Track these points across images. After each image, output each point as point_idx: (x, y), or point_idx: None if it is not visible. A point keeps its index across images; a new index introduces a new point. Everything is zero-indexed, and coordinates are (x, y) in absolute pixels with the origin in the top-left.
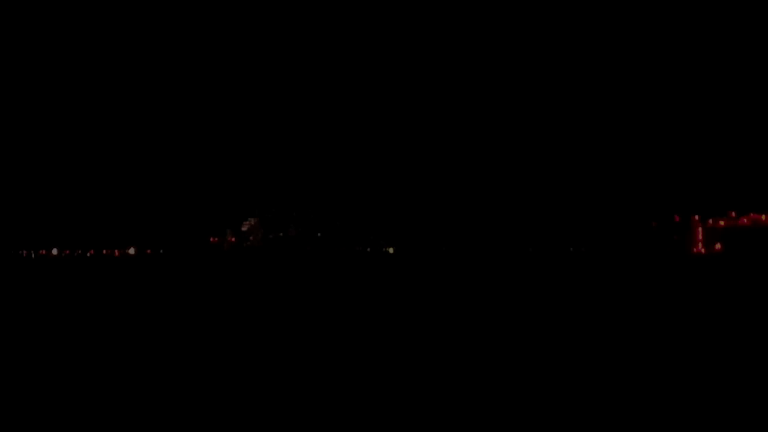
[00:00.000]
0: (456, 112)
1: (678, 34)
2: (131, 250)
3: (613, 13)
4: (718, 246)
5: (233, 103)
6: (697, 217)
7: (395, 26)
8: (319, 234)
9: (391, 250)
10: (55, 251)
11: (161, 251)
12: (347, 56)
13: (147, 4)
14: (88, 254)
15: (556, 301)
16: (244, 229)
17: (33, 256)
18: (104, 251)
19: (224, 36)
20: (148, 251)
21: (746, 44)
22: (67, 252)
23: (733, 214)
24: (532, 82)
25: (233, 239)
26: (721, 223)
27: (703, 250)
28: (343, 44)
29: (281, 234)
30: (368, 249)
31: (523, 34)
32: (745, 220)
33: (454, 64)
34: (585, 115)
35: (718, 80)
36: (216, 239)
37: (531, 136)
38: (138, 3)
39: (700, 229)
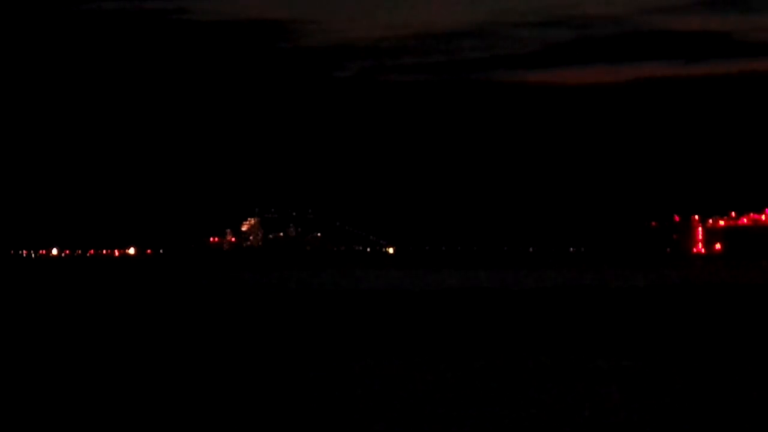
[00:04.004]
0: (456, 113)
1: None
2: (131, 250)
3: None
4: (718, 246)
5: (234, 103)
6: (697, 217)
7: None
8: (319, 234)
9: (391, 250)
10: (55, 251)
11: (161, 251)
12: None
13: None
14: (88, 254)
15: (556, 301)
16: (244, 229)
17: (33, 256)
18: (104, 251)
19: (228, 44)
20: (149, 251)
21: (742, 48)
22: (68, 252)
23: (733, 214)
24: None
25: (233, 239)
26: (721, 223)
27: (703, 250)
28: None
29: (281, 234)
30: (368, 249)
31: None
32: (745, 220)
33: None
34: (584, 116)
35: (718, 81)
36: (216, 239)
37: (530, 136)
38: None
39: (700, 229)
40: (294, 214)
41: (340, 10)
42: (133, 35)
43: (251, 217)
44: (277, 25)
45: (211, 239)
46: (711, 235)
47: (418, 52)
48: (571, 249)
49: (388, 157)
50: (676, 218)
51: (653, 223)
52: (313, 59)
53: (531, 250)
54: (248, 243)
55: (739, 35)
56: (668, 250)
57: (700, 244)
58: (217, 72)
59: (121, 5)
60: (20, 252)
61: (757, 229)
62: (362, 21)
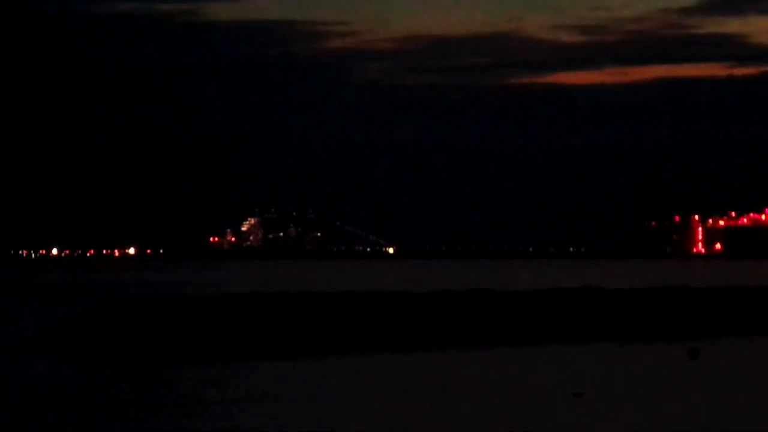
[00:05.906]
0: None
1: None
2: (131, 250)
3: None
4: (718, 246)
5: (238, 103)
6: (697, 217)
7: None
8: (319, 234)
9: (391, 250)
10: (55, 251)
11: (161, 251)
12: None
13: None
14: (88, 254)
15: (556, 302)
16: (244, 229)
17: (33, 256)
18: (104, 251)
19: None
20: (149, 251)
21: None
22: (67, 252)
23: (733, 214)
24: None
25: (233, 239)
26: (721, 223)
27: (703, 250)
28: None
29: (281, 234)
30: (368, 249)
31: None
32: (745, 220)
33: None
34: (587, 117)
35: (718, 81)
36: (216, 239)
37: (534, 137)
38: None
39: (700, 229)
40: (294, 214)
41: (357, 13)
42: (142, 36)
43: (251, 217)
44: (292, 27)
45: (211, 239)
46: (711, 235)
47: (434, 56)
48: (571, 249)
49: (390, 156)
50: (676, 218)
51: (653, 223)
52: (329, 61)
53: (531, 250)
54: (248, 243)
55: (759, 37)
56: (668, 250)
57: (700, 244)
58: (226, 72)
59: (136, 6)
60: (20, 252)
61: (757, 229)
62: (380, 24)
